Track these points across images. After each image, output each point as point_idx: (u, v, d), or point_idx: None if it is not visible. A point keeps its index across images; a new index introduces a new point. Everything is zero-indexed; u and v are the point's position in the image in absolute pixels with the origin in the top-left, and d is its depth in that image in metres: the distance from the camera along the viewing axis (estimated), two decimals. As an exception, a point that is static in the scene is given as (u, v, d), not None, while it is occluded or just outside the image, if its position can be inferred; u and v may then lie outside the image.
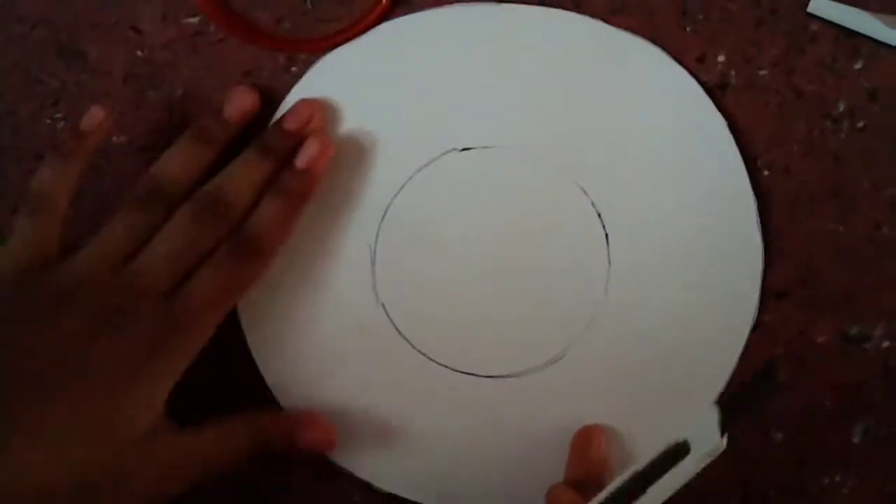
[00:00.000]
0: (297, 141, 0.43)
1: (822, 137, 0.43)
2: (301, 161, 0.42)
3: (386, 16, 0.43)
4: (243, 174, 0.42)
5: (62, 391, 0.38)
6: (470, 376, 0.44)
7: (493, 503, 0.44)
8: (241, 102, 0.43)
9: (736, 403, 0.36)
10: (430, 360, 0.44)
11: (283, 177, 0.42)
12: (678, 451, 0.36)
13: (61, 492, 0.38)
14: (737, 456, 0.43)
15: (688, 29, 0.43)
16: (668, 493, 0.36)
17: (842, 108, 0.43)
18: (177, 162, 0.42)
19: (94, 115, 0.42)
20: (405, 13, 0.43)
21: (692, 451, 0.36)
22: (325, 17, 0.44)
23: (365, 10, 0.43)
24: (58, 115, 0.45)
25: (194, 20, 0.44)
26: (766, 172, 0.43)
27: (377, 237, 0.44)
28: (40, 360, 0.39)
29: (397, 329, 0.44)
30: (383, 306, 0.44)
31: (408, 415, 0.44)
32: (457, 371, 0.44)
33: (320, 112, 0.43)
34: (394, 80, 0.44)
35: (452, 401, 0.44)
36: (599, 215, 0.43)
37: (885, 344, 0.43)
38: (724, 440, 0.35)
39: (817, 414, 0.44)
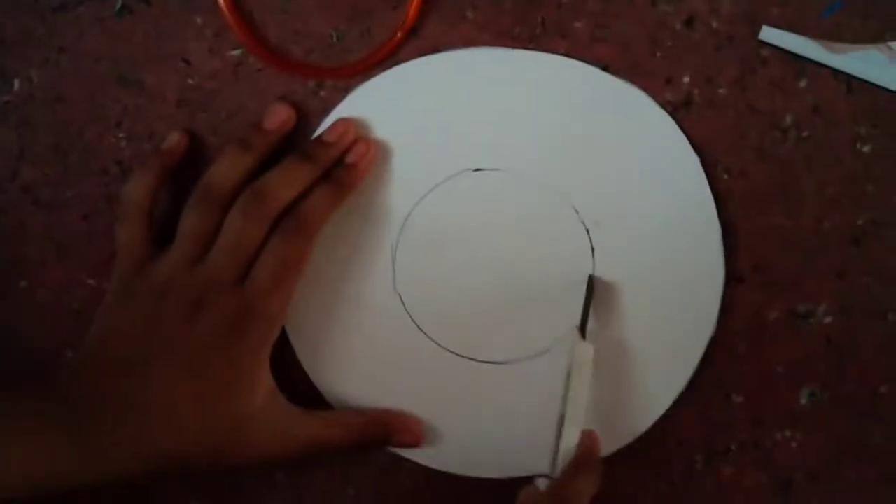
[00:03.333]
0: (335, 152, 0.45)
1: (772, 146, 0.45)
2: (350, 157, 0.45)
3: (400, 48, 0.45)
4: (284, 175, 0.44)
5: (171, 370, 0.42)
6: (470, 361, 0.47)
7: (481, 469, 0.47)
8: (278, 115, 0.45)
9: (583, 318, 0.43)
10: (437, 343, 0.47)
11: (333, 171, 0.45)
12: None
13: (193, 451, 0.42)
14: (702, 416, 0.46)
15: (657, 55, 0.45)
16: (581, 402, 0.43)
17: (789, 120, 0.45)
18: (223, 168, 0.44)
19: (171, 139, 0.46)
20: (417, 46, 0.45)
21: (574, 365, 0.42)
22: (348, 49, 0.46)
23: (382, 43, 0.45)
24: (121, 136, 0.47)
25: (237, 53, 0.46)
26: (725, 176, 0.45)
27: (398, 239, 0.46)
28: (149, 348, 0.42)
29: (410, 315, 0.47)
30: (400, 296, 0.47)
31: (412, 390, 0.47)
32: (459, 355, 0.47)
33: (354, 129, 0.45)
34: (418, 110, 0.46)
35: (453, 381, 0.47)
36: (587, 231, 0.46)
37: (827, 320, 0.46)
38: (589, 344, 0.43)
39: (770, 380, 0.46)
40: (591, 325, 0.45)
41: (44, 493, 0.41)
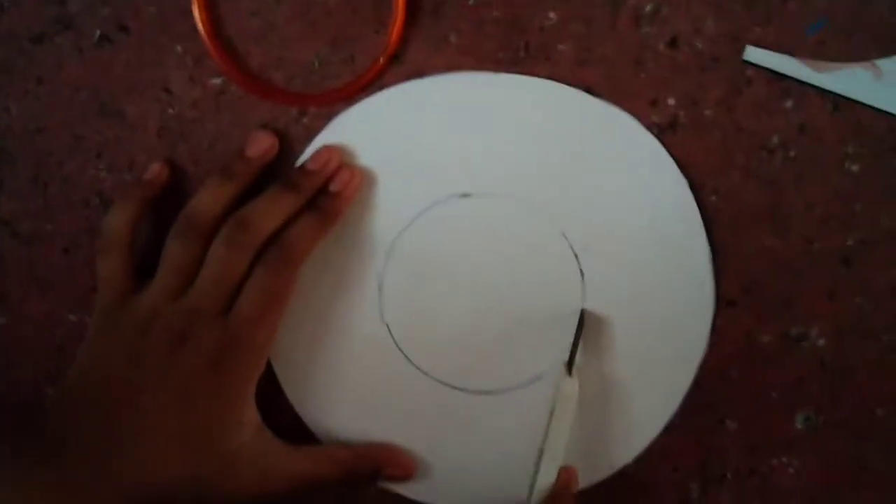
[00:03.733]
0: (319, 180, 0.44)
1: (759, 166, 0.45)
2: (334, 185, 0.44)
3: (383, 73, 0.45)
4: (267, 204, 0.44)
5: (155, 405, 0.41)
6: (459, 391, 0.46)
7: (471, 501, 0.47)
8: (260, 143, 0.45)
9: (571, 353, 0.43)
10: (425, 374, 0.46)
11: (318, 199, 0.44)
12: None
13: (180, 482, 0.41)
14: (696, 443, 0.46)
15: (642, 76, 0.45)
16: (562, 438, 0.42)
17: (776, 140, 0.45)
18: (206, 198, 0.44)
19: (153, 169, 0.45)
20: (400, 71, 0.45)
21: (558, 401, 0.42)
22: (330, 75, 0.46)
23: (365, 69, 0.45)
24: (101, 167, 0.47)
25: (217, 81, 0.46)
26: (712, 197, 0.45)
27: (385, 268, 0.46)
28: (133, 382, 0.42)
29: (398, 345, 0.46)
30: (387, 326, 0.46)
31: (401, 422, 0.46)
32: (448, 385, 0.46)
33: (338, 157, 0.45)
34: (402, 135, 0.46)
35: (442, 411, 0.46)
36: (577, 257, 0.45)
37: (821, 342, 0.45)
38: (574, 379, 0.42)
39: (764, 404, 0.46)
40: (580, 351, 0.45)
41: None
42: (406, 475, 0.46)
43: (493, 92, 0.46)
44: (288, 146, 0.46)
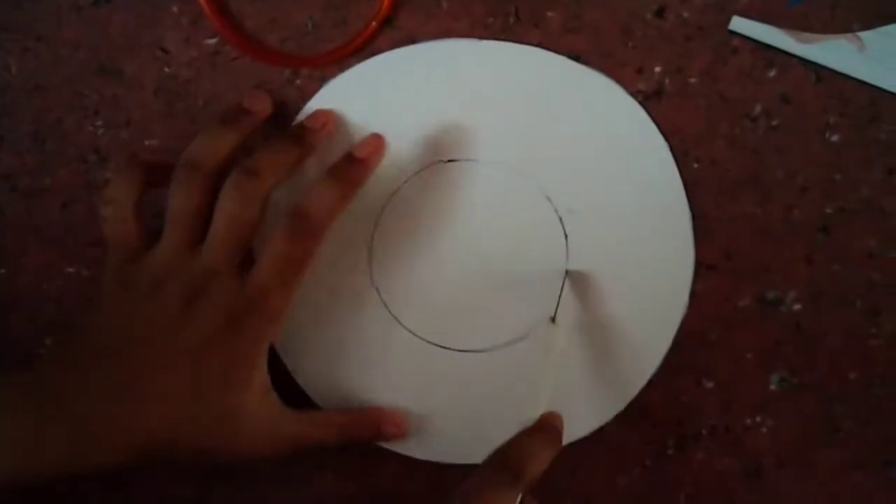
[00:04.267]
0: (320, 137, 0.44)
1: (742, 134, 0.45)
2: (359, 151, 0.44)
3: (375, 37, 0.46)
4: (272, 154, 0.43)
5: (167, 358, 0.41)
6: (449, 350, 0.47)
7: (462, 456, 0.47)
8: (258, 98, 0.45)
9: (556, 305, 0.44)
10: (414, 334, 0.47)
11: (340, 164, 0.44)
12: None
13: (182, 440, 0.41)
14: (674, 402, 0.47)
15: (629, 45, 0.45)
16: (548, 385, 0.43)
17: (759, 109, 0.45)
18: (205, 143, 0.43)
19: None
20: (392, 36, 0.46)
21: (544, 348, 0.43)
22: (323, 38, 0.46)
23: (357, 32, 0.46)
24: (98, 124, 0.47)
25: (213, 41, 0.47)
26: (695, 165, 0.46)
27: (374, 232, 0.46)
28: (146, 335, 0.42)
29: (387, 307, 0.47)
30: (377, 289, 0.47)
31: (392, 381, 0.47)
32: (436, 345, 0.47)
33: (333, 120, 0.45)
34: (390, 102, 0.46)
35: (433, 371, 0.47)
36: (560, 220, 0.46)
37: (797, 307, 0.46)
38: (559, 327, 0.43)
39: (741, 365, 0.47)
40: (563, 312, 0.46)
41: (27, 483, 0.40)
42: (400, 434, 0.47)
43: (481, 59, 0.46)
44: (281, 107, 0.47)
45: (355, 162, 0.44)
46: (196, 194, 0.42)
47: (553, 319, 0.45)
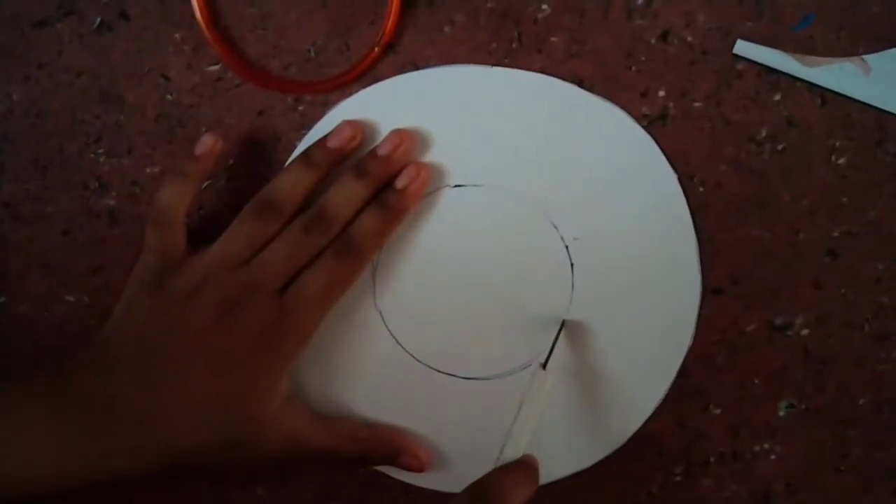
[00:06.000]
0: (389, 164, 0.45)
1: (748, 158, 0.45)
2: (400, 182, 0.45)
3: (377, 62, 0.45)
4: (343, 194, 0.44)
5: (195, 368, 0.42)
6: (450, 376, 0.47)
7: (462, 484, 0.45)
8: (343, 134, 0.45)
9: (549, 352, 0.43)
10: (416, 359, 0.47)
11: (385, 194, 0.44)
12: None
13: (207, 448, 0.42)
14: (681, 428, 0.46)
15: (633, 69, 0.45)
16: (531, 427, 0.42)
17: (764, 133, 0.45)
18: (288, 182, 0.44)
19: (206, 142, 0.45)
20: (395, 61, 0.46)
21: (528, 394, 0.42)
22: (326, 64, 0.46)
23: (360, 58, 0.46)
24: (100, 151, 0.47)
25: (215, 68, 0.47)
26: (700, 188, 0.45)
27: (378, 256, 0.46)
28: (175, 342, 0.42)
29: (390, 331, 0.47)
30: (380, 312, 0.47)
31: (392, 405, 0.47)
32: (437, 371, 0.47)
33: (409, 139, 0.45)
34: (397, 126, 0.46)
35: (433, 396, 0.47)
36: (567, 248, 0.46)
37: (805, 332, 0.46)
38: (547, 374, 0.42)
39: (748, 392, 0.46)
40: (572, 341, 0.46)
41: (51, 492, 0.40)
42: (419, 468, 0.46)
43: (485, 85, 0.46)
44: (284, 133, 0.47)
45: (398, 191, 0.45)
46: (270, 224, 0.44)
47: (544, 366, 0.44)
